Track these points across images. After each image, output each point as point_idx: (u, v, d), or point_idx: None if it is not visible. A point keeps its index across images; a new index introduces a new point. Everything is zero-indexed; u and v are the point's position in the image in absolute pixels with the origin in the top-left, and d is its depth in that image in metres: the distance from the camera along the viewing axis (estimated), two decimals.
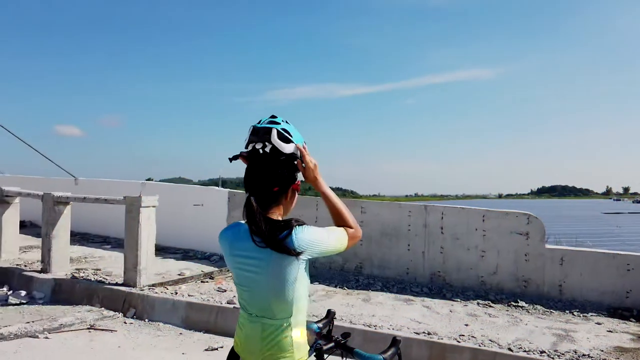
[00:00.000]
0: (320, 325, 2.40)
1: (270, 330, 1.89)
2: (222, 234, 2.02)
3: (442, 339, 5.02)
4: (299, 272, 1.87)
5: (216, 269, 7.81)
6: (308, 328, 2.27)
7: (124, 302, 6.16)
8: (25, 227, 11.46)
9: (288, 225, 1.89)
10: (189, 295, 6.24)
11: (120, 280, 6.54)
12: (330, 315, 2.47)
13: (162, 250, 9.20)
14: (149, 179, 12.34)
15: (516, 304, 6.46)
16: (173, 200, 9.37)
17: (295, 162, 1.90)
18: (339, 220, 1.98)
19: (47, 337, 5.18)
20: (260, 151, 1.83)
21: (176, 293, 6.28)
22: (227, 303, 5.91)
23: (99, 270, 7.24)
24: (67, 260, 7.19)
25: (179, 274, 7.28)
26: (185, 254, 8.92)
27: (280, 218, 1.96)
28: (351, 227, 1.97)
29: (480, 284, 7.06)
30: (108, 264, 7.81)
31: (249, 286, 1.95)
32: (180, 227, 9.39)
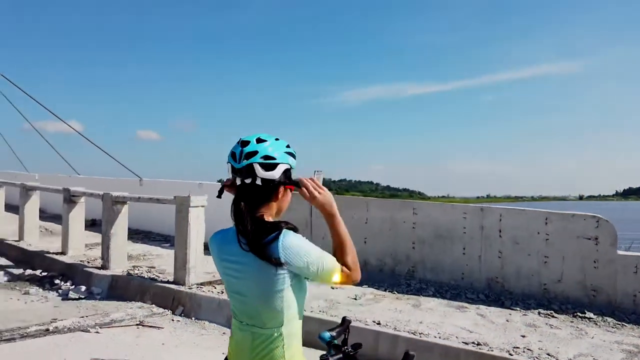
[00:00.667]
0: (333, 334, 2.23)
1: (260, 340, 1.75)
2: (212, 237, 1.91)
3: (492, 350, 4.65)
4: (285, 281, 1.72)
5: None
6: (319, 337, 2.12)
7: (173, 299, 6.29)
8: (96, 225, 12.13)
9: (276, 227, 1.74)
10: None
11: (171, 278, 6.69)
12: (345, 323, 2.29)
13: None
14: (220, 181, 12.63)
15: (582, 315, 5.89)
16: (227, 201, 9.52)
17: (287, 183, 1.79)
18: (341, 255, 1.81)
19: (97, 332, 5.38)
20: (248, 183, 1.73)
21: (222, 292, 6.32)
22: None
23: (154, 267, 7.46)
24: (124, 257, 7.48)
25: None
26: None
27: (271, 219, 1.82)
28: (349, 268, 1.81)
29: (542, 292, 6.53)
30: (163, 262, 8.04)
31: (238, 293, 1.82)
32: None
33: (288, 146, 1.86)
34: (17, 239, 9.69)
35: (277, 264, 1.68)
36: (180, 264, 6.53)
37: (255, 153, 1.76)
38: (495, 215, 6.95)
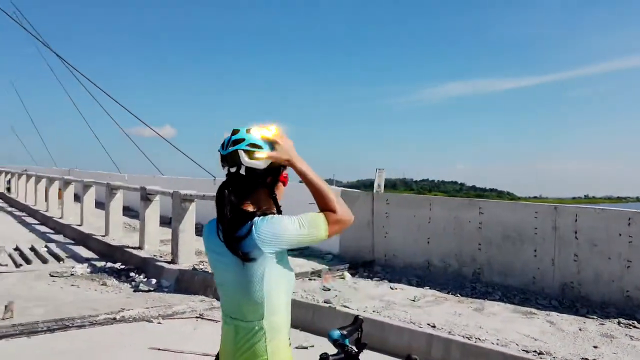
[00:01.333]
0: (344, 332, 2.14)
1: (242, 334, 1.71)
2: (204, 228, 1.91)
3: None
4: (266, 269, 1.66)
5: (326, 267, 7.80)
6: (328, 335, 2.05)
7: None
8: None
9: (252, 216, 1.70)
10: (303, 291, 6.29)
11: None
12: (357, 322, 2.19)
13: None
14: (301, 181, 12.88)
15: None
16: (294, 199, 9.67)
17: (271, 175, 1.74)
18: (321, 203, 1.73)
19: (160, 322, 5.66)
20: (235, 173, 1.71)
21: None
22: (324, 302, 5.82)
23: None
24: (192, 252, 7.82)
25: None
26: (302, 251, 9.08)
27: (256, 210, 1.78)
28: (334, 211, 1.71)
29: (624, 299, 5.89)
30: None
31: (221, 284, 1.80)
32: None
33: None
34: (103, 234, 10.49)
35: (245, 259, 1.64)
36: None
37: (241, 140, 1.72)
38: (570, 215, 6.39)
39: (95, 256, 9.35)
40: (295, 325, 5.48)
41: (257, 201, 1.78)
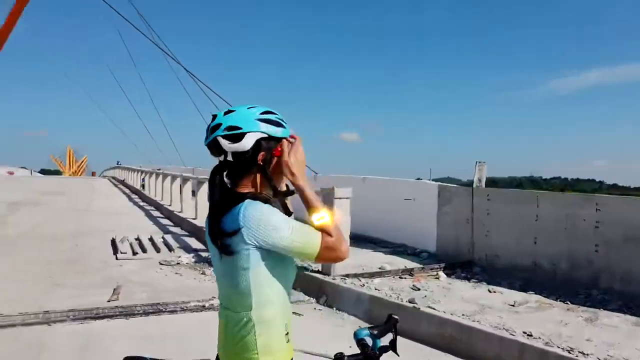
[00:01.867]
0: (375, 332, 1.94)
1: (232, 325, 1.60)
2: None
3: None
4: (250, 259, 1.52)
5: (419, 265, 7.41)
6: (355, 334, 1.87)
7: (318, 289, 6.41)
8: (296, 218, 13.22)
9: (241, 198, 1.56)
10: (375, 289, 6.07)
11: (320, 268, 6.85)
12: (390, 321, 1.97)
13: (374, 243, 9.29)
14: (418, 179, 12.72)
15: None
16: (388, 195, 9.40)
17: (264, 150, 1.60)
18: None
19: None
20: (225, 161, 1.62)
21: (363, 285, 6.20)
22: (408, 302, 5.51)
23: None
24: None
25: (380, 267, 7.18)
26: (396, 249, 8.77)
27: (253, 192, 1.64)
28: (331, 234, 1.56)
29: None
30: None
31: (214, 271, 1.71)
32: (394, 221, 9.30)
33: (266, 112, 1.65)
34: None
35: (224, 251, 1.53)
36: None
37: (219, 126, 1.61)
38: None
39: (203, 247, 9.94)
40: (374, 323, 5.27)
41: (254, 186, 1.65)
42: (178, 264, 8.27)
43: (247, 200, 1.54)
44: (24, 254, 8.71)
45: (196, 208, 13.09)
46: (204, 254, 9.14)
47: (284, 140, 1.64)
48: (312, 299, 6.32)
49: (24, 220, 12.95)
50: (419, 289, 6.28)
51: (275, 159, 1.66)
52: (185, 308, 5.77)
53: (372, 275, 6.79)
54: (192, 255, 8.99)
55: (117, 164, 45.08)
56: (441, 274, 7.15)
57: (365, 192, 10.24)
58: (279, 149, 1.65)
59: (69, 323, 5.19)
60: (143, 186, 24.64)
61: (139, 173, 26.61)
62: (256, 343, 1.57)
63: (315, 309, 6.04)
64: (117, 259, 8.61)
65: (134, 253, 9.06)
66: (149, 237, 10.76)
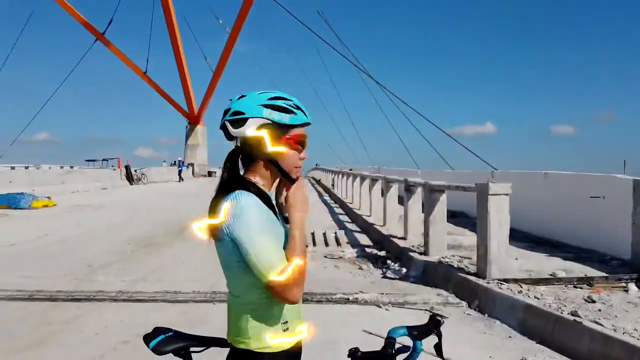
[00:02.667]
0: (414, 332, 1.79)
1: (232, 307, 1.68)
2: None
3: None
4: (235, 248, 1.54)
5: (602, 274, 6.25)
6: (389, 331, 1.77)
7: (471, 292, 5.93)
8: (455, 217, 12.61)
9: (239, 185, 1.57)
10: (535, 297, 5.33)
11: (475, 270, 6.33)
12: (432, 322, 1.79)
13: (552, 246, 8.18)
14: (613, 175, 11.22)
15: None
16: (571, 192, 8.17)
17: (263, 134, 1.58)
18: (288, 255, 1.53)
19: (387, 309, 5.69)
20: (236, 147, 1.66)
21: (520, 292, 5.50)
22: (570, 314, 4.69)
23: (467, 258, 7.19)
24: (443, 244, 7.55)
25: (551, 274, 6.28)
26: (579, 254, 7.54)
27: (259, 180, 1.63)
28: (295, 268, 1.49)
29: None
30: None
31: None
32: (578, 223, 8.02)
33: (275, 98, 1.61)
34: (382, 224, 11.25)
35: (212, 234, 1.56)
36: (481, 255, 6.08)
37: (228, 111, 1.63)
38: None
39: (370, 244, 10.12)
40: (532, 335, 4.66)
41: (261, 173, 1.64)
42: (340, 257, 8.56)
43: (238, 191, 1.53)
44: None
45: (370, 206, 13.39)
46: (368, 250, 9.30)
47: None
48: (463, 302, 5.88)
49: None
50: (594, 301, 5.30)
51: (283, 146, 1.61)
52: (330, 299, 5.94)
53: (537, 281, 5.98)
54: (356, 250, 9.22)
55: (316, 165, 48.94)
56: (632, 286, 5.90)
57: (546, 189, 9.14)
58: (292, 135, 1.61)
59: None
60: (333, 185, 26.24)
61: (330, 173, 28.58)
62: (248, 330, 1.57)
63: (464, 313, 5.60)
64: None
65: (305, 246, 9.69)
66: (324, 232, 11.39)
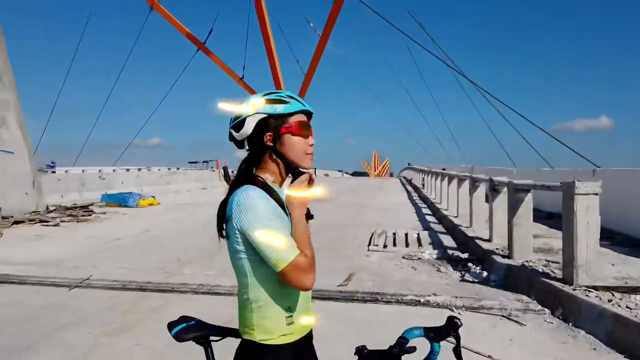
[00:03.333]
0: (431, 334, 1.77)
1: (239, 299, 1.76)
2: None
3: None
4: (242, 243, 1.61)
5: None
6: (404, 331, 1.77)
7: (554, 299, 5.49)
8: (552, 218, 11.75)
9: (246, 180, 1.63)
10: (627, 307, 4.81)
11: (561, 276, 5.85)
12: (449, 324, 1.76)
13: None
14: None
15: None
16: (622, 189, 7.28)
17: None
18: (299, 245, 1.57)
19: (460, 313, 5.45)
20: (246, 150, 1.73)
21: (610, 301, 4.99)
22: None
23: (555, 263, 6.65)
24: (528, 247, 7.07)
25: None
26: None
27: (268, 176, 1.68)
28: (305, 257, 1.54)
29: None
30: None
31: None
32: None
33: (267, 94, 1.66)
34: (468, 225, 10.79)
35: (220, 234, 1.66)
36: (567, 260, 5.61)
37: (231, 120, 1.70)
38: None
39: (454, 245, 9.74)
40: (620, 348, 4.24)
41: (271, 169, 1.70)
42: (419, 258, 8.35)
43: (245, 185, 1.59)
44: None
45: (457, 206, 12.91)
46: (450, 251, 8.97)
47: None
48: (546, 309, 5.46)
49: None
50: None
51: (286, 135, 1.65)
52: (400, 300, 5.83)
53: (634, 289, 5.39)
54: (437, 251, 8.94)
55: (408, 165, 48.17)
56: None
57: None
58: (292, 122, 1.64)
59: None
60: (423, 185, 25.66)
61: (421, 173, 27.97)
62: (253, 320, 1.62)
63: (546, 321, 5.20)
64: (368, 250, 9.28)
65: (384, 246, 9.59)
66: (406, 232, 11.18)
